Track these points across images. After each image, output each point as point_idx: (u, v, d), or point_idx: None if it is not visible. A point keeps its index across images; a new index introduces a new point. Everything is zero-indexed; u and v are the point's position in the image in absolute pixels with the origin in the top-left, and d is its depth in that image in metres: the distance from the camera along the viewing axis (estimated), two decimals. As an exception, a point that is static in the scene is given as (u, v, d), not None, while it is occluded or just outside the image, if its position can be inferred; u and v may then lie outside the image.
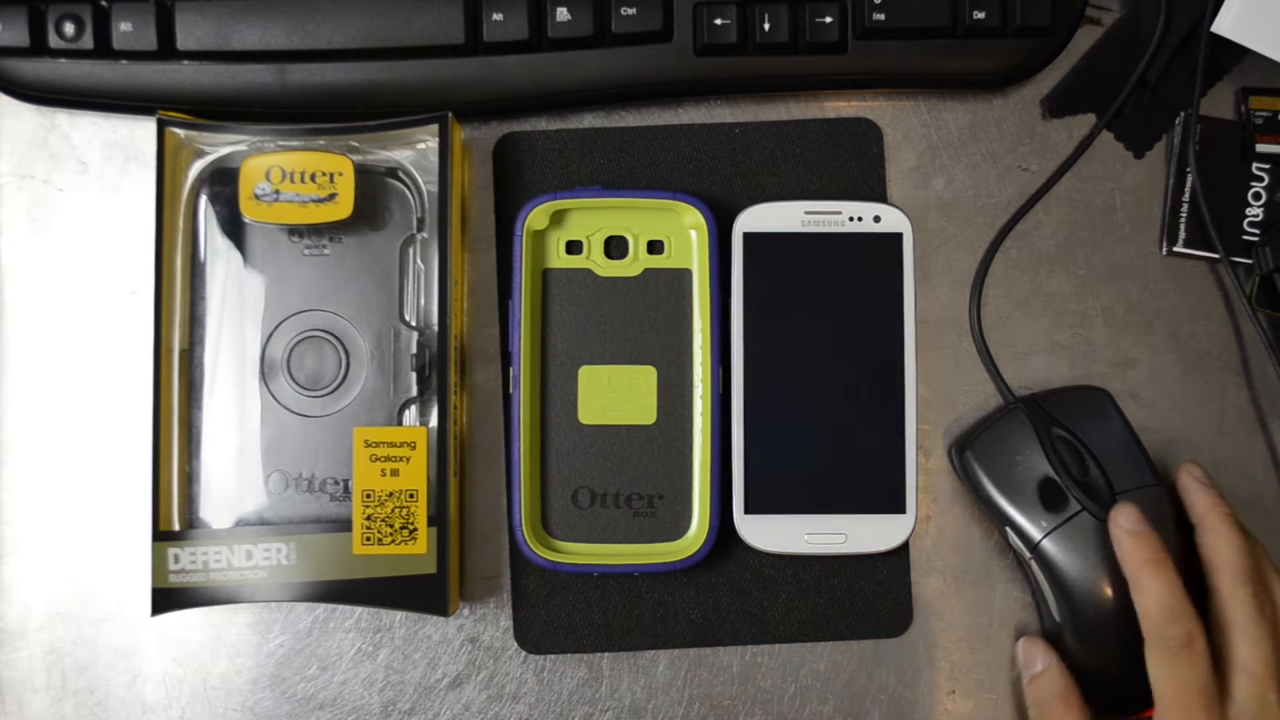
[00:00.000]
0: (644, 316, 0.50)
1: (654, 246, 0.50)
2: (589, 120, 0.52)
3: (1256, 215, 0.51)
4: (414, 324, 0.49)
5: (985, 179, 0.52)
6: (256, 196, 0.48)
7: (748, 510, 0.49)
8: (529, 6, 0.49)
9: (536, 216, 0.49)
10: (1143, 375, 0.51)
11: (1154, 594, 0.45)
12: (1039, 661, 0.49)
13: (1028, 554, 0.48)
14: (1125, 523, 0.46)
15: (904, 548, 0.50)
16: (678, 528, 0.49)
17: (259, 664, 0.50)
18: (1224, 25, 0.49)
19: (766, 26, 0.49)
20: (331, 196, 0.48)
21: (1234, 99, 0.52)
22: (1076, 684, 0.48)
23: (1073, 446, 0.49)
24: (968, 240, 0.52)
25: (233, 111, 0.49)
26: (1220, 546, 0.46)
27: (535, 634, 0.50)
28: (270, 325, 0.49)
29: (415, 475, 0.47)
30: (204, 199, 0.49)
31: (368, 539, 0.47)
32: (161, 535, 0.47)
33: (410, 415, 0.49)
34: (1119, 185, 0.52)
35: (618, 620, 0.50)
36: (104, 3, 0.48)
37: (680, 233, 0.50)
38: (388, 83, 0.49)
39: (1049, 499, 0.48)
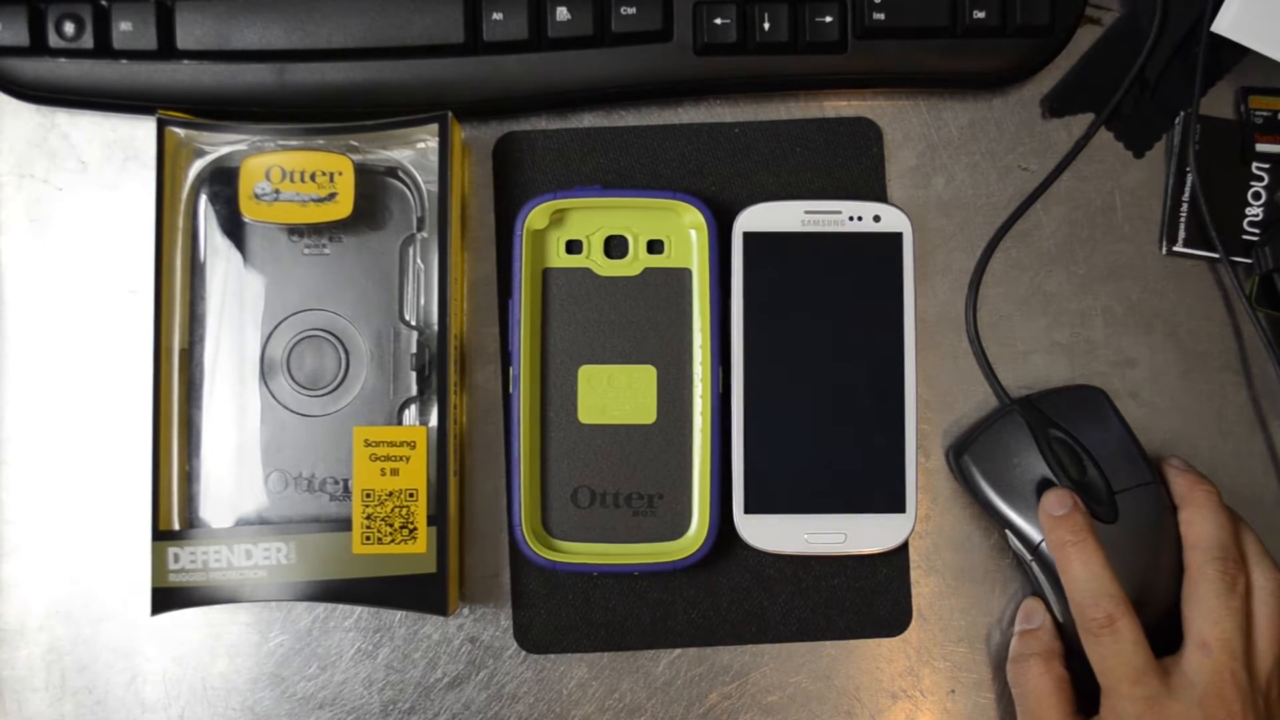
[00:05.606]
0: (644, 316, 0.50)
1: (654, 246, 0.50)
2: (589, 120, 0.52)
3: (1256, 215, 0.51)
4: (414, 323, 0.49)
5: (985, 178, 0.52)
6: (256, 196, 0.48)
7: (748, 510, 0.49)
8: (529, 6, 0.49)
9: (536, 216, 0.49)
10: (1142, 375, 0.51)
11: (1075, 577, 0.46)
12: (1036, 618, 0.49)
13: (1028, 556, 0.48)
14: (1051, 507, 0.47)
15: (904, 548, 0.50)
16: (678, 527, 0.49)
17: (259, 663, 0.50)
18: (1224, 25, 0.49)
19: (766, 26, 0.49)
20: (331, 196, 0.48)
21: (1234, 98, 0.52)
22: (1064, 651, 0.48)
23: (1070, 447, 0.48)
24: (967, 240, 0.52)
25: (233, 111, 0.49)
26: (1195, 521, 0.47)
27: (535, 634, 0.50)
28: (270, 325, 0.49)
29: (415, 475, 0.47)
30: (204, 198, 0.49)
31: (367, 538, 0.47)
32: (161, 535, 0.47)
33: (410, 415, 0.49)
34: (1119, 185, 0.52)
35: (618, 620, 0.50)
36: (104, 2, 0.48)
37: (680, 232, 0.50)
38: (388, 82, 0.49)
39: None
